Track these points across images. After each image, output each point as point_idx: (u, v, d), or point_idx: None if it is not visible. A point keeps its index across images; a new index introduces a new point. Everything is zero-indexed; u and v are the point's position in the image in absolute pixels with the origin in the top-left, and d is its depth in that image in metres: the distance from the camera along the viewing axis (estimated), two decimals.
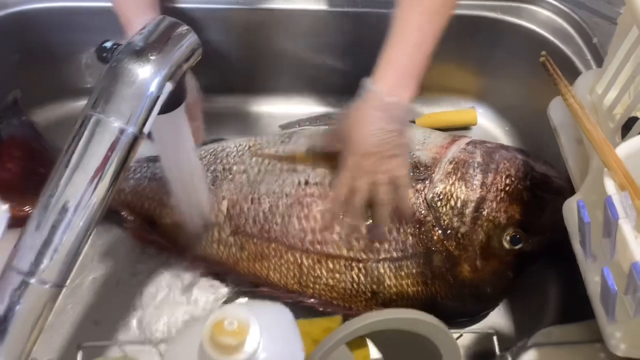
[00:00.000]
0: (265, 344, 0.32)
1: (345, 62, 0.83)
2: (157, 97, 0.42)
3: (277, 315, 0.37)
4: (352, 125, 0.62)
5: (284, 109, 0.87)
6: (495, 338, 0.53)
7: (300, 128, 0.76)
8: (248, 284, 0.71)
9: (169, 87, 0.42)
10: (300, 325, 0.51)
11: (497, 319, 0.73)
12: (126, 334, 0.65)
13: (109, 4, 0.67)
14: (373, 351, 0.52)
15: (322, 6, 0.76)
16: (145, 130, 0.42)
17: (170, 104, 0.46)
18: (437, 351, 0.49)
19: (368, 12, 0.76)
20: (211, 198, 0.70)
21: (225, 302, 0.71)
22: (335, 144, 0.66)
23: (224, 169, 0.73)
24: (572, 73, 0.71)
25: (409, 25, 0.59)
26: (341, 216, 0.67)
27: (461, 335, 0.53)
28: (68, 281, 0.41)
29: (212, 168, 0.73)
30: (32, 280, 0.39)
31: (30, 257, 0.39)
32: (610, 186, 0.40)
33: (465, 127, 0.88)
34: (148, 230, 0.73)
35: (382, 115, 0.60)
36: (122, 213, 0.73)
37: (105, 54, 0.44)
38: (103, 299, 0.69)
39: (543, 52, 0.45)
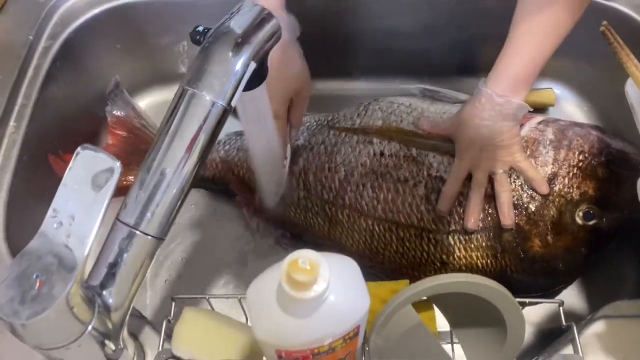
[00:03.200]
0: (334, 288, 0.37)
1: (420, 43, 0.86)
2: (243, 74, 0.47)
3: (346, 265, 0.41)
4: (465, 120, 0.67)
5: (363, 91, 0.90)
6: (561, 308, 0.54)
7: (374, 100, 0.79)
8: (322, 247, 0.76)
9: (253, 65, 0.47)
10: (369, 287, 0.55)
11: (570, 296, 0.73)
12: (217, 290, 0.72)
13: None
14: (442, 322, 0.55)
15: None
16: (233, 103, 0.47)
17: (254, 82, 0.51)
18: (501, 318, 0.51)
19: None
20: (288, 166, 0.75)
21: None
22: (442, 133, 0.71)
23: (303, 140, 0.78)
24: None
25: (527, 37, 0.62)
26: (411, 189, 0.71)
27: (527, 304, 0.55)
28: (167, 234, 0.47)
29: (292, 141, 0.78)
30: (138, 231, 0.45)
31: (136, 211, 0.45)
32: None
33: (543, 108, 0.88)
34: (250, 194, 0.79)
35: (493, 113, 0.64)
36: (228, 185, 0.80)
37: (198, 37, 0.49)
38: (196, 260, 0.77)
39: (604, 22, 0.45)
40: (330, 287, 0.36)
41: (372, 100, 0.79)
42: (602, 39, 0.79)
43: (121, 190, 0.43)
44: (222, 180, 0.81)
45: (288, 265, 0.34)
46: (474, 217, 0.69)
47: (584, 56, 0.83)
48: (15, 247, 0.61)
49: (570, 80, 0.87)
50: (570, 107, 0.88)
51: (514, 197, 0.69)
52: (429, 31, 0.84)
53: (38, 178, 0.71)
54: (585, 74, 0.85)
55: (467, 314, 0.54)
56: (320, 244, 0.76)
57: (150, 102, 0.92)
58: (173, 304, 0.57)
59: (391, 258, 0.73)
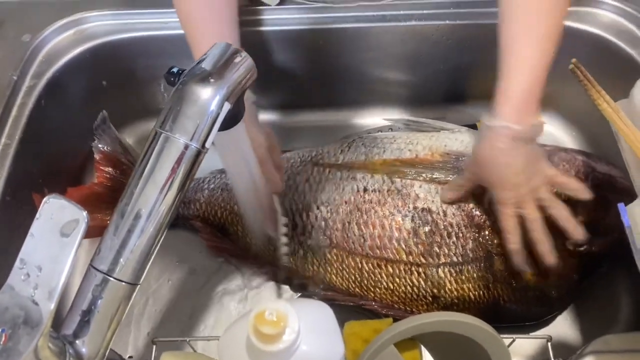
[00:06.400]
0: (305, 337, 0.36)
1: (405, 74, 0.86)
2: (217, 115, 0.46)
3: (318, 311, 0.40)
4: (488, 162, 0.62)
5: (349, 121, 0.91)
6: (549, 344, 0.53)
7: (358, 137, 0.79)
8: (312, 288, 0.75)
9: (227, 106, 0.47)
10: (351, 326, 0.54)
11: (563, 326, 0.72)
12: (198, 331, 0.71)
13: (181, 32, 0.73)
14: (426, 356, 0.54)
15: (381, 23, 0.79)
16: (207, 145, 0.46)
17: (230, 122, 0.50)
18: (487, 356, 0.50)
19: (424, 25, 0.79)
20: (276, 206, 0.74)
21: None
22: (468, 188, 0.68)
23: (288, 178, 0.77)
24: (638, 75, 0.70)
25: (520, 55, 0.59)
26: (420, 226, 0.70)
27: (514, 341, 0.54)
28: (142, 279, 0.46)
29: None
30: (112, 278, 0.44)
31: (109, 257, 0.44)
32: None
33: None
34: (220, 238, 0.78)
35: (516, 144, 0.60)
36: (197, 223, 0.79)
37: (172, 79, 0.49)
38: (180, 300, 0.76)
39: (573, 60, 0.45)
40: (301, 337, 0.35)
41: (356, 137, 0.79)
42: (587, 65, 0.79)
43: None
44: (208, 221, 0.80)
45: (255, 318, 0.33)
46: (549, 254, 0.65)
47: (570, 82, 0.83)
48: None
49: (557, 106, 0.87)
50: (558, 132, 0.88)
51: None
52: (414, 62, 0.84)
53: (22, 218, 0.70)
54: (573, 99, 0.84)
55: (453, 351, 0.53)
56: (310, 285, 0.75)
57: (139, 137, 0.92)
58: (154, 347, 0.56)
59: (382, 295, 0.72)
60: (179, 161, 0.45)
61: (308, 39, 0.81)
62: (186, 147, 0.45)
